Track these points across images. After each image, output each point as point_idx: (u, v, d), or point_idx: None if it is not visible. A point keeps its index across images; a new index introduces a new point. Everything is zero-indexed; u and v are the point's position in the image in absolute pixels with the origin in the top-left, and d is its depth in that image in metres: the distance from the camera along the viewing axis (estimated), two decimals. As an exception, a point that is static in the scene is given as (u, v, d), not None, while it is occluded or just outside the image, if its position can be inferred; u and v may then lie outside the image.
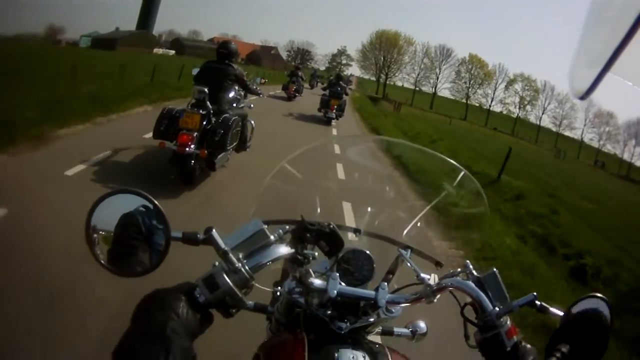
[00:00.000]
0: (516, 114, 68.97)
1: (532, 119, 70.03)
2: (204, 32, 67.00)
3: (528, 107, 68.95)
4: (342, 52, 74.49)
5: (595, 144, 65.58)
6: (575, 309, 0.74)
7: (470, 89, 70.45)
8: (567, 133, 67.75)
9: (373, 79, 71.58)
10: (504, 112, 70.93)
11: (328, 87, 13.07)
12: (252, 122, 5.43)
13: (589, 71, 0.43)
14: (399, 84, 73.79)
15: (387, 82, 71.28)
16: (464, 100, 70.89)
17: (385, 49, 69.86)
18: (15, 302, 2.14)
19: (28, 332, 1.97)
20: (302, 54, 70.04)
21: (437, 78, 71.96)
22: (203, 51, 54.08)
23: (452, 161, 1.02)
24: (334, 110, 11.96)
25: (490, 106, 69.51)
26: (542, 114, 68.58)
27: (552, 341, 0.73)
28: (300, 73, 17.52)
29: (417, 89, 71.86)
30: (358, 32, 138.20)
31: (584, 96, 0.45)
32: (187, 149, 4.27)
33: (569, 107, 67.44)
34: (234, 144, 4.81)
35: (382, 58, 70.18)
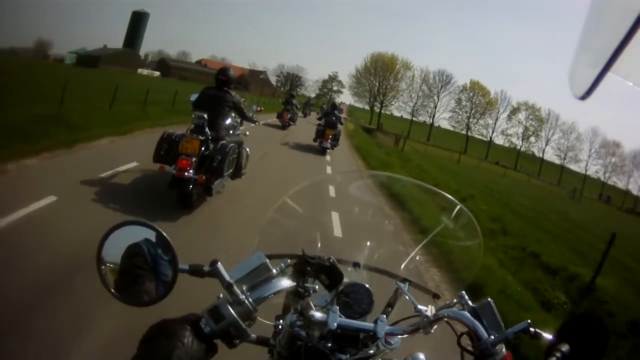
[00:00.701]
0: (519, 146, 67.98)
1: (534, 150, 69.25)
2: (194, 53, 68.90)
3: (532, 139, 68.00)
4: (333, 78, 76.00)
5: (598, 176, 64.97)
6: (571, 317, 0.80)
7: (471, 119, 68.85)
8: (571, 166, 66.94)
9: (366, 107, 70.92)
10: (505, 144, 69.68)
11: (323, 116, 14.07)
12: (247, 149, 5.90)
13: (589, 71, 0.46)
14: (395, 113, 73.03)
15: (382, 111, 69.83)
16: (462, 131, 69.73)
17: (380, 74, 68.57)
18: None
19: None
20: (292, 80, 71.32)
21: (435, 107, 70.36)
22: (189, 73, 55.04)
23: (447, 195, 1.11)
24: (329, 140, 12.92)
25: (491, 137, 68.61)
26: (546, 145, 67.65)
27: (551, 342, 0.78)
28: (294, 101, 18.88)
29: (414, 118, 70.56)
30: (351, 57, 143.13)
31: (584, 96, 0.48)
32: (186, 173, 4.65)
33: (574, 138, 66.35)
34: (230, 170, 5.21)
35: (377, 84, 69.05)
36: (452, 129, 70.51)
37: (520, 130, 68.81)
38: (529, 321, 0.80)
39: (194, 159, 4.75)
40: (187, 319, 0.71)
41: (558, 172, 62.26)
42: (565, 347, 0.74)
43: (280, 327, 0.91)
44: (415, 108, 70.63)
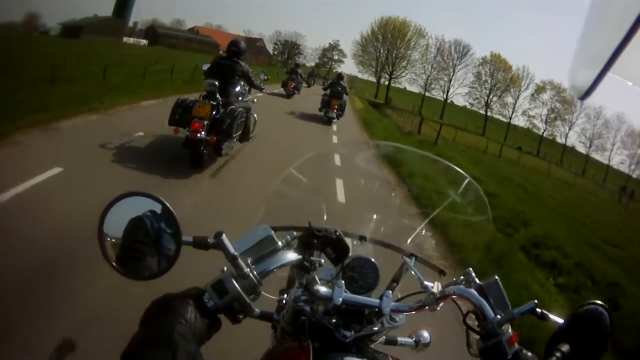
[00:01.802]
0: (542, 130, 64.62)
1: (557, 135, 65.25)
2: (188, 21, 68.92)
3: (557, 122, 64.41)
4: (334, 47, 74.59)
5: (624, 168, 60.41)
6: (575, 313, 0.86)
7: (491, 96, 64.90)
8: (594, 155, 63.15)
9: (371, 79, 67.52)
10: (526, 127, 65.95)
11: (329, 86, 15.70)
12: (255, 115, 7.01)
13: (589, 71, 0.50)
14: (407, 86, 69.07)
15: (382, 83, 65.94)
16: (480, 110, 65.69)
17: (390, 41, 64.44)
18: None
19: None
20: (290, 48, 71.32)
21: (450, 81, 66.79)
22: (178, 41, 55.21)
23: (456, 168, 1.18)
24: (335, 110, 14.59)
25: (510, 118, 64.86)
26: (569, 130, 63.94)
27: (552, 341, 0.84)
28: (299, 71, 21.11)
29: (426, 93, 66.49)
30: (354, 24, 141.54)
31: (584, 96, 0.52)
32: (199, 134, 5.72)
33: (600, 125, 62.07)
34: (239, 132, 6.30)
35: (385, 53, 65.17)
36: (468, 106, 67.50)
37: (544, 111, 64.85)
38: (536, 301, 0.86)
39: (206, 122, 5.80)
40: (190, 293, 0.77)
41: (580, 160, 59.44)
42: (565, 347, 0.81)
43: (284, 301, 1.00)
44: (428, 81, 66.79)
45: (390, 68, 65.74)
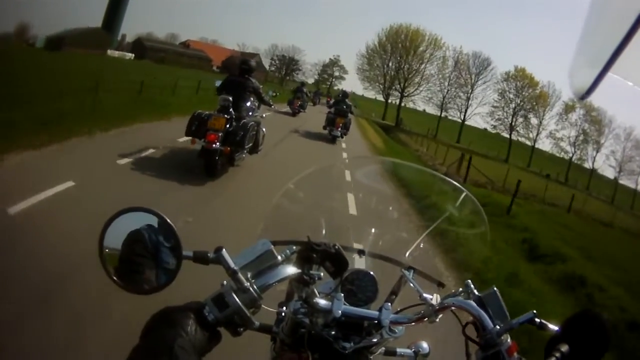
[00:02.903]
0: (571, 154, 62.43)
1: (586, 159, 62.90)
2: (184, 35, 71.44)
3: (585, 145, 61.91)
4: (334, 62, 75.81)
5: None
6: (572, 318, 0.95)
7: (515, 117, 62.09)
8: (622, 180, 61.27)
9: (378, 97, 66.38)
10: (551, 151, 64.13)
11: (334, 104, 17.52)
12: (264, 129, 8.36)
13: (589, 71, 0.55)
14: (419, 105, 66.66)
15: (390, 102, 63.98)
16: (501, 132, 63.66)
17: (401, 53, 61.86)
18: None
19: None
20: (288, 64, 73.15)
21: (468, 99, 63.90)
22: (167, 55, 56.93)
23: (454, 182, 1.39)
24: (339, 128, 16.30)
25: (535, 141, 62.94)
26: (596, 153, 61.96)
27: (551, 341, 0.94)
28: (305, 89, 24.71)
29: (436, 113, 63.91)
30: (356, 37, 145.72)
31: (584, 96, 0.58)
32: (214, 145, 6.97)
33: (632, 146, 60.14)
34: (250, 144, 7.55)
35: (395, 66, 62.66)
36: (489, 128, 65.47)
37: (572, 133, 62.41)
38: (535, 312, 0.98)
39: (220, 134, 7.07)
40: (191, 306, 0.88)
41: (607, 186, 58.00)
42: (565, 347, 0.90)
43: (283, 314, 1.13)
44: (445, 100, 63.77)
45: (402, 84, 62.96)
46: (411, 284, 1.15)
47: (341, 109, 16.71)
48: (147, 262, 0.95)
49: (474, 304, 1.01)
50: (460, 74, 63.45)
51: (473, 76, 63.38)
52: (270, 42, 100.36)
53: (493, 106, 63.61)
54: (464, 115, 64.42)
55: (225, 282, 0.93)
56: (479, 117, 67.26)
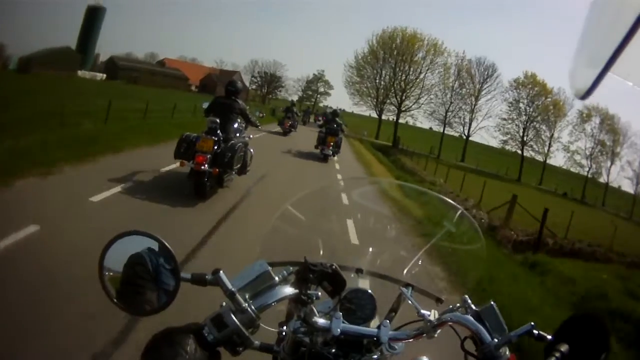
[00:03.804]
0: (587, 168, 59.75)
1: (602, 172, 59.85)
2: (163, 54, 72.95)
3: (601, 157, 59.37)
4: (319, 78, 77.07)
5: None
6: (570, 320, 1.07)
7: (527, 130, 59.34)
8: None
9: (370, 114, 64.01)
10: (565, 165, 61.97)
11: (325, 124, 19.72)
12: (252, 150, 9.29)
13: (589, 71, 0.61)
14: (418, 120, 64.10)
15: (383, 117, 61.47)
16: (512, 148, 60.70)
17: (397, 58, 58.76)
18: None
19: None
20: (270, 81, 74.49)
21: (472, 111, 60.93)
22: (140, 75, 57.73)
23: (449, 200, 1.57)
24: (331, 147, 18.34)
25: (546, 156, 60.57)
26: (612, 163, 59.62)
27: (551, 342, 1.04)
28: (295, 109, 28.36)
29: (435, 128, 61.95)
30: (340, 50, 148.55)
31: (584, 96, 0.63)
32: (203, 167, 7.80)
33: None
34: (238, 165, 8.39)
35: (389, 77, 59.45)
36: (496, 144, 62.42)
37: (588, 144, 59.49)
38: (532, 323, 1.09)
39: (208, 155, 7.90)
40: (190, 327, 0.99)
41: (623, 199, 55.09)
42: (564, 347, 1.00)
43: (283, 333, 1.25)
44: (450, 114, 60.40)
45: (399, 97, 59.44)
46: (409, 301, 1.28)
47: (332, 128, 18.75)
48: (148, 284, 1.06)
49: (471, 318, 1.12)
50: (463, 83, 60.50)
51: (477, 85, 60.54)
52: (249, 58, 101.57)
53: (502, 118, 60.70)
54: (468, 131, 61.73)
55: (224, 303, 1.05)
56: (484, 132, 67.20)
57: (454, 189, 21.61)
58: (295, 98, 68.06)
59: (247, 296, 1.07)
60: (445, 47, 58.68)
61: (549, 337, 1.08)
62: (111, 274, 1.06)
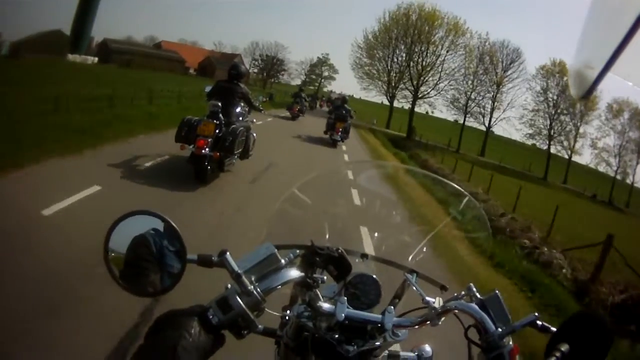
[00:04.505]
0: (615, 167, 57.39)
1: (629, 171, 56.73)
2: (163, 38, 73.09)
3: (629, 155, 56.72)
4: (323, 62, 76.50)
5: None
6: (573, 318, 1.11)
7: (555, 123, 56.81)
8: None
9: (377, 99, 62.14)
10: (593, 164, 59.19)
11: (333, 110, 22.27)
12: (254, 134, 10.00)
13: (589, 71, 0.65)
14: (435, 108, 59.91)
15: (395, 104, 57.90)
16: (536, 142, 58.70)
17: (412, 39, 54.89)
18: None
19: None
20: (272, 64, 74.49)
21: (494, 100, 58.12)
22: (134, 58, 57.72)
23: (456, 186, 1.65)
24: (339, 133, 20.48)
25: (572, 151, 57.83)
26: (637, 164, 56.92)
27: (552, 341, 1.09)
28: (303, 95, 31.81)
29: (456, 118, 59.40)
30: (347, 30, 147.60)
31: (585, 96, 0.68)
32: (203, 151, 8.37)
33: None
34: (239, 150, 8.96)
35: (405, 58, 55.88)
36: (519, 138, 60.20)
37: (617, 141, 56.64)
38: (536, 314, 1.17)
39: (209, 139, 8.52)
40: (194, 310, 1.05)
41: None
42: (565, 347, 1.05)
43: (287, 318, 1.32)
44: (472, 103, 57.22)
45: (415, 82, 55.81)
46: (414, 288, 1.35)
47: (340, 114, 20.97)
48: (152, 265, 1.12)
49: (476, 307, 1.19)
50: (487, 68, 57.16)
51: (499, 72, 57.19)
52: (249, 40, 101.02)
53: (530, 109, 57.60)
54: (489, 121, 58.69)
55: (229, 285, 1.11)
56: (504, 123, 64.00)
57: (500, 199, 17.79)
58: (297, 82, 68.10)
59: (253, 278, 1.12)
60: (467, 27, 55.19)
61: (553, 329, 1.14)
62: (116, 255, 1.13)
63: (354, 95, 64.28)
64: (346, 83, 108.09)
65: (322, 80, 77.57)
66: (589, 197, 49.02)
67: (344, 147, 20.41)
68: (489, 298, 1.22)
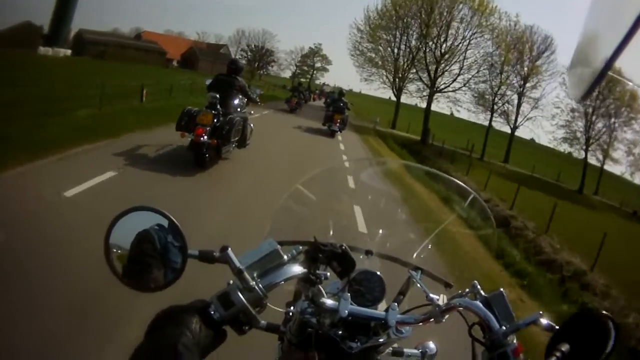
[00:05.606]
0: None
1: None
2: (148, 29, 74.23)
3: None
4: (315, 52, 77.46)
5: None
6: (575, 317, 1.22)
7: (592, 126, 51.08)
8: None
9: (388, 96, 59.22)
10: (628, 175, 56.07)
11: (331, 103, 27.37)
12: (252, 124, 12.11)
13: (589, 71, 0.69)
14: (440, 107, 57.11)
15: (402, 99, 53.48)
16: (561, 146, 55.13)
17: (430, 17, 47.75)
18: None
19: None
20: (261, 55, 75.59)
21: (521, 97, 52.59)
22: (109, 49, 58.38)
23: (461, 183, 1.78)
24: (337, 124, 24.72)
25: (605, 157, 53.53)
26: None
27: (552, 341, 1.19)
28: (301, 88, 38.57)
29: (475, 117, 53.81)
30: (340, 18, 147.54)
31: (585, 96, 0.73)
32: (202, 138, 10.27)
33: None
34: (236, 138, 10.99)
35: (416, 43, 49.53)
36: (553, 145, 56.08)
37: None
38: (541, 312, 1.26)
39: (208, 128, 10.39)
40: (196, 305, 1.15)
41: None
42: (565, 347, 1.15)
43: (290, 314, 1.43)
44: (499, 99, 51.98)
45: (433, 72, 49.84)
46: (418, 285, 1.50)
47: (338, 106, 25.46)
48: (155, 261, 1.24)
49: (480, 304, 1.31)
50: (520, 57, 51.23)
51: (527, 63, 51.74)
52: (234, 27, 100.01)
53: (562, 109, 52.81)
54: (515, 121, 54.28)
55: (231, 281, 1.23)
56: (530, 123, 61.25)
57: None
58: (288, 74, 70.98)
59: (255, 274, 1.24)
60: (495, 6, 48.43)
61: (557, 327, 1.25)
62: (118, 250, 1.23)
63: (351, 88, 66.85)
64: (339, 75, 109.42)
65: (315, 72, 78.66)
66: (631, 214, 46.57)
67: (339, 137, 24.03)
68: (493, 296, 1.33)
